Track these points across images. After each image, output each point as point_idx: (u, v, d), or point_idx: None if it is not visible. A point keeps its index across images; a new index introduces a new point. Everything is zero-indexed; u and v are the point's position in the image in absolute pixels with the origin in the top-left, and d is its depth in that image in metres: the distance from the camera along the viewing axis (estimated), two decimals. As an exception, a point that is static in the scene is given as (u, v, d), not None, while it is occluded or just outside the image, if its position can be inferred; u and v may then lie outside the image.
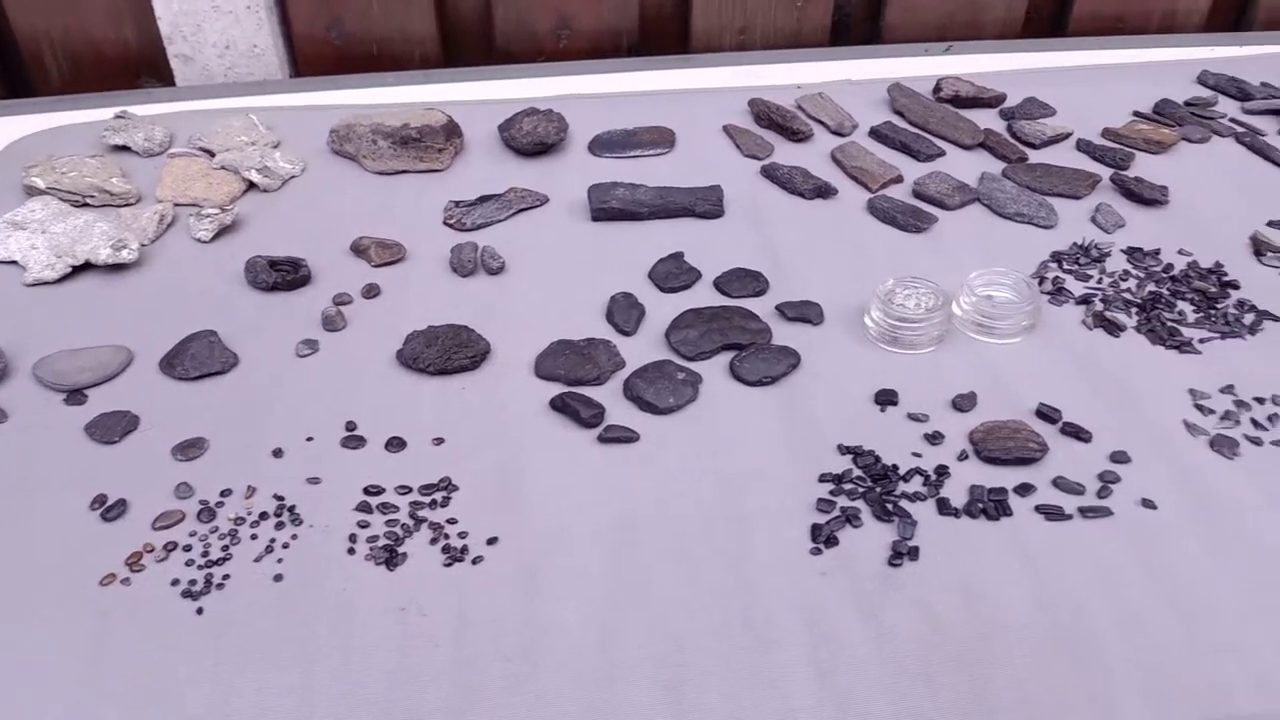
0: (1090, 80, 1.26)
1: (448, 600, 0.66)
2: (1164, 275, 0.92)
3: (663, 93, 1.26)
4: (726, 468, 0.75)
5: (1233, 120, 1.16)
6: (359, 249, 0.98)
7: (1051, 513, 0.71)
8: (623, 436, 0.78)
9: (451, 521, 0.71)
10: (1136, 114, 1.18)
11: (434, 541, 0.70)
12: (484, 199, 1.05)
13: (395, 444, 0.77)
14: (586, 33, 1.50)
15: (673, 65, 1.44)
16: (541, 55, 1.52)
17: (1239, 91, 1.20)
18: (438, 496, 0.73)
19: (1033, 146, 1.12)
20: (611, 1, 1.47)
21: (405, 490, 0.74)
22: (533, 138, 1.12)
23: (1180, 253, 0.96)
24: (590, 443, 0.78)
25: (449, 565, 0.68)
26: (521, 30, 1.48)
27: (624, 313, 0.90)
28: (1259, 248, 0.95)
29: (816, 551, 0.69)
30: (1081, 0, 1.54)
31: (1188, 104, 1.18)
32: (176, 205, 1.06)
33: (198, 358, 0.85)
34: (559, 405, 0.81)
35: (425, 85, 1.35)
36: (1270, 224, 0.99)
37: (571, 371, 0.84)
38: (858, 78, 1.32)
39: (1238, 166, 1.09)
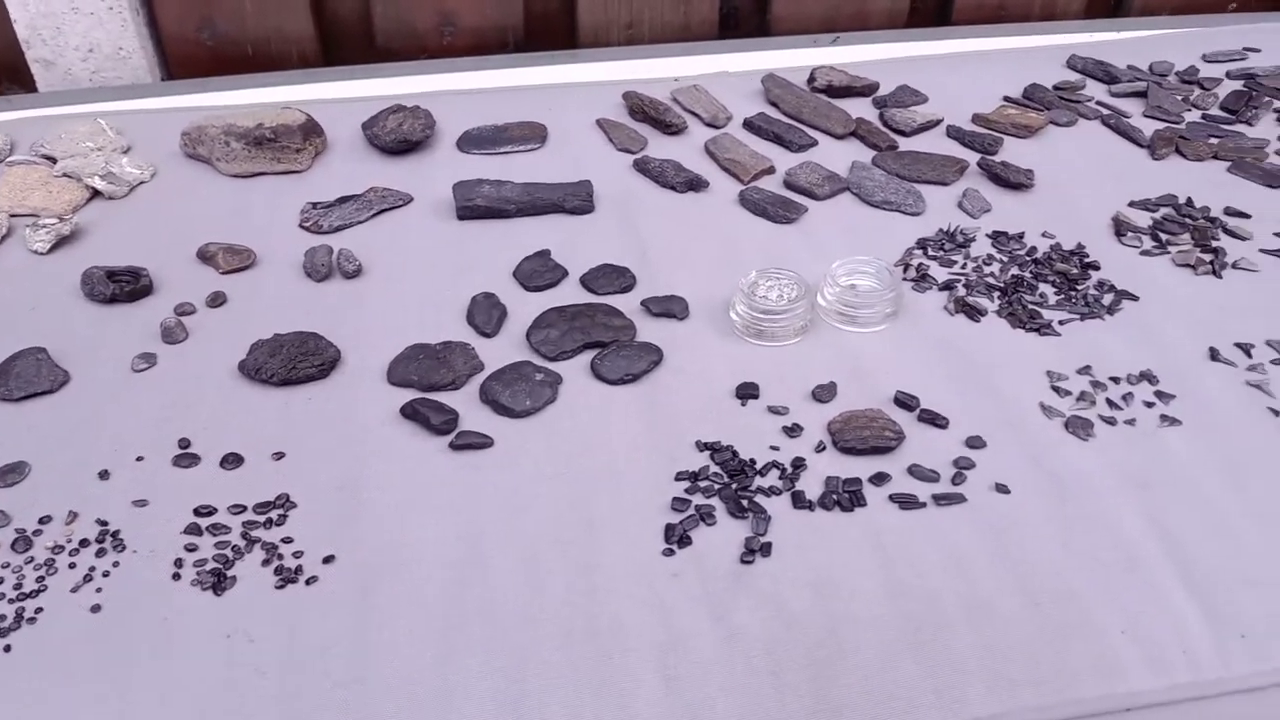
0: (963, 67, 1.26)
1: (278, 625, 0.63)
2: (1027, 258, 0.93)
3: (536, 87, 1.23)
4: (582, 471, 0.73)
5: (1099, 103, 1.17)
6: (206, 256, 0.93)
7: (905, 501, 0.70)
8: (475, 443, 0.75)
9: (287, 541, 0.68)
10: (1007, 99, 1.19)
11: (266, 563, 0.66)
12: (343, 200, 1.01)
13: (231, 460, 0.73)
14: (470, 30, 1.46)
15: (558, 61, 1.42)
16: (425, 53, 1.47)
17: (1106, 75, 1.22)
18: (273, 515, 0.69)
19: (903, 134, 1.12)
20: (494, -1, 1.44)
21: (239, 509, 0.70)
22: (397, 135, 1.08)
23: (1044, 235, 0.96)
24: (441, 451, 0.75)
25: (281, 587, 0.65)
26: (403, 28, 1.44)
27: (485, 313, 0.87)
28: (1120, 228, 0.96)
29: (669, 553, 0.67)
30: (967, -11, 1.57)
31: (1056, 88, 1.19)
32: (13, 216, 0.99)
33: (23, 377, 0.80)
34: (409, 413, 0.77)
35: (303, 85, 1.30)
36: (1131, 204, 1.00)
37: (425, 377, 0.80)
38: (745, 70, 1.31)
39: (1102, 148, 1.10)
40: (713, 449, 0.74)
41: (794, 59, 1.37)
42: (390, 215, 1.01)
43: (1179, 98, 1.17)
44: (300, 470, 0.73)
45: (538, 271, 0.92)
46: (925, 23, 1.62)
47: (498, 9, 1.45)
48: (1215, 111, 1.16)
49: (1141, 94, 1.18)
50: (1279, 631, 0.62)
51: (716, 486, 0.71)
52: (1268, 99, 1.17)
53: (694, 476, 0.72)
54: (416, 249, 0.97)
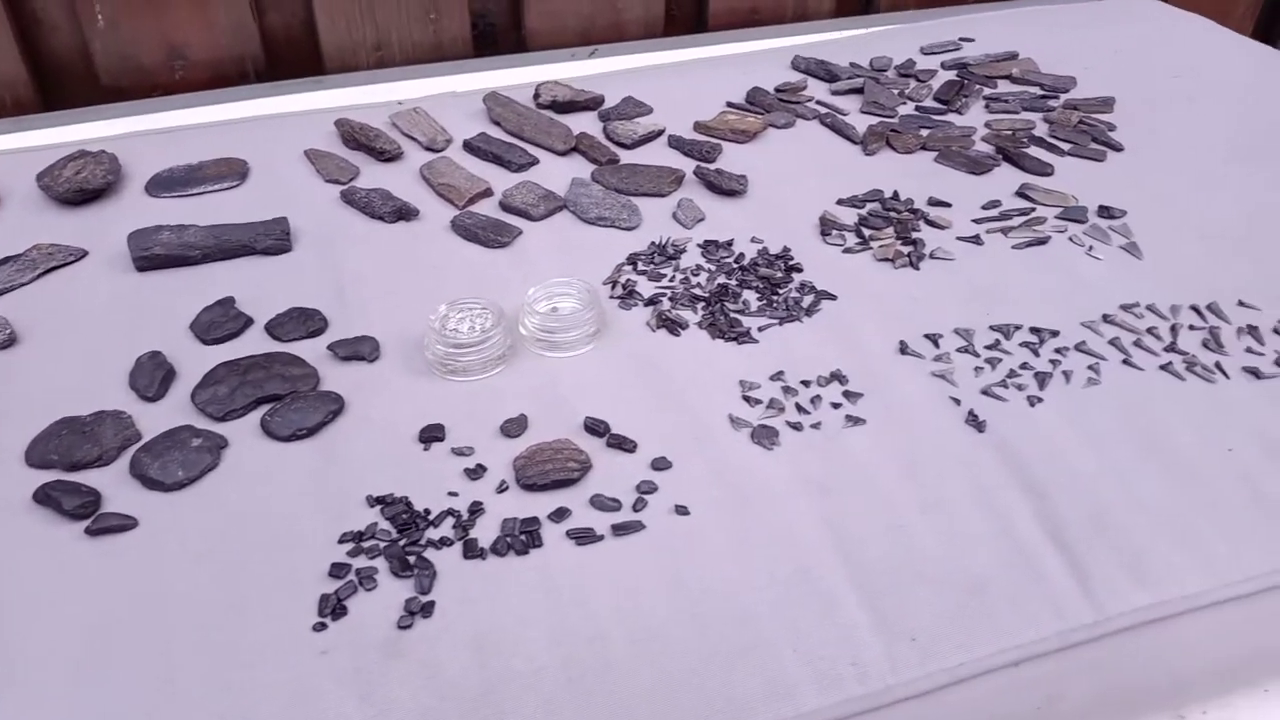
0: (692, 75, 1.26)
1: None
2: (734, 266, 0.92)
3: (239, 121, 1.15)
4: (236, 545, 0.66)
5: (819, 102, 1.19)
6: None
7: (582, 537, 0.66)
8: (116, 526, 0.67)
9: None
10: (729, 105, 1.19)
11: None
12: (1, 262, 0.91)
13: None
14: (204, 62, 1.36)
15: (303, 89, 1.34)
16: (157, 89, 1.37)
17: (827, 74, 1.24)
18: None
19: (625, 147, 1.10)
20: (225, 26, 1.34)
21: None
22: (72, 185, 0.98)
23: (753, 241, 0.96)
24: (77, 539, 0.67)
25: None
26: (127, 64, 1.33)
27: (148, 376, 0.79)
28: (825, 227, 0.97)
29: (320, 627, 0.61)
30: (716, -5, 1.58)
31: (777, 90, 1.20)
32: None
33: None
34: (41, 498, 0.69)
35: (15, 134, 1.18)
36: (840, 202, 1.01)
37: (67, 455, 0.72)
38: (511, 85, 1.26)
39: (818, 148, 1.11)
40: (384, 503, 0.69)
41: (550, 74, 1.34)
42: (60, 273, 0.92)
43: (895, 91, 1.20)
44: (-99, 581, 0.63)
45: (217, 323, 0.85)
46: (683, 30, 1.63)
47: (232, 38, 1.36)
48: (929, 103, 1.19)
49: (859, 90, 1.20)
50: (947, 630, 0.62)
51: (382, 545, 0.66)
52: (979, 87, 1.22)
53: (359, 537, 0.67)
54: (85, 309, 0.87)
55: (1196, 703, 0.61)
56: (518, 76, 1.32)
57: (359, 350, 0.82)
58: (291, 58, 1.45)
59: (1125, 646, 0.63)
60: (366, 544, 0.66)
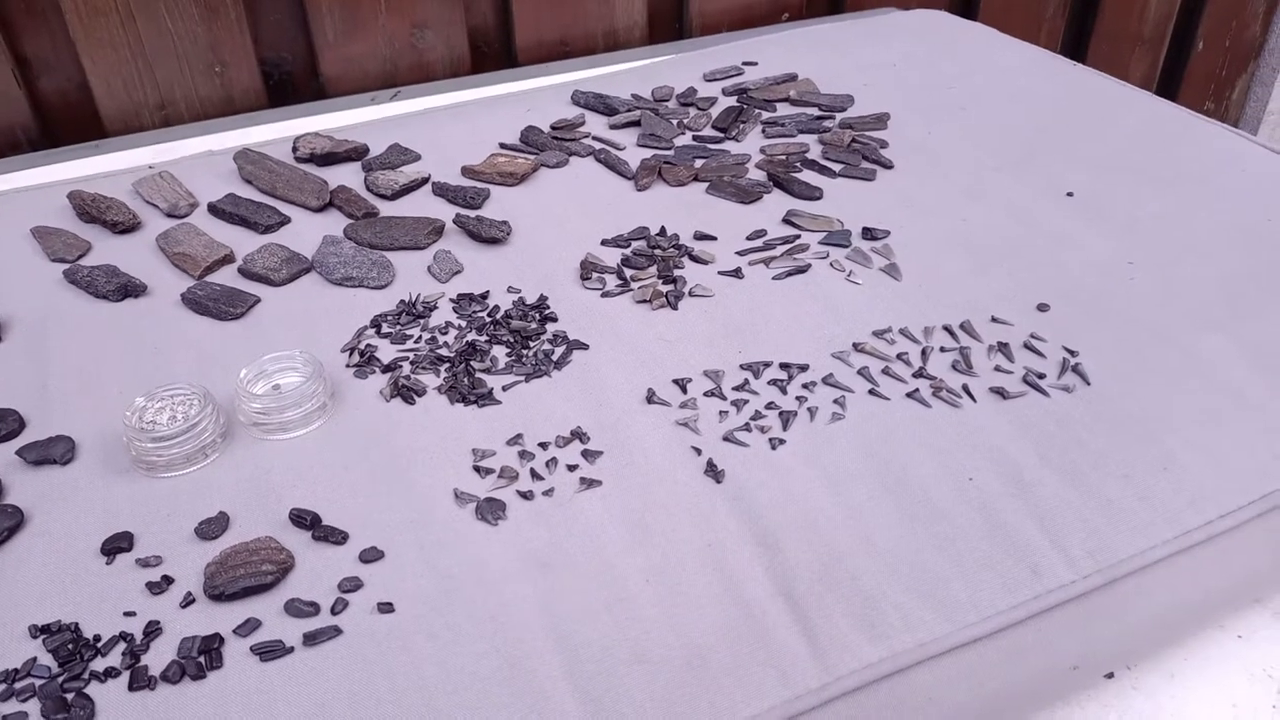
0: (468, 117, 1.21)
1: None
2: (486, 320, 0.87)
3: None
4: None
5: (595, 138, 1.16)
6: None
7: (268, 651, 0.60)
8: None
9: None
10: (502, 145, 1.14)
11: None
12: None
13: None
14: (-30, 133, 1.26)
15: (78, 155, 1.25)
16: (-73, 165, 1.26)
17: (605, 107, 1.20)
18: None
19: (385, 198, 1.04)
20: (-12, 96, 1.25)
21: None
22: None
23: (509, 290, 0.91)
24: None
25: None
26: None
27: None
28: (585, 270, 0.93)
29: (-50, 792, 0.54)
30: (522, 30, 1.54)
31: (553, 128, 1.16)
32: None
33: None
34: None
35: None
36: (604, 242, 0.97)
37: None
38: (282, 139, 1.19)
39: (590, 186, 1.07)
40: (47, 632, 0.61)
41: (351, 119, 1.28)
42: None
43: (674, 122, 1.18)
44: None
45: (-108, 434, 0.76)
46: (491, 66, 1.59)
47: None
48: (707, 131, 1.17)
49: (636, 123, 1.17)
50: (663, 710, 0.57)
51: (39, 683, 0.58)
52: (758, 111, 1.20)
53: (13, 676, 0.59)
54: None
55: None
56: (313, 125, 1.26)
57: (50, 453, 0.74)
58: (70, 123, 1.36)
59: (856, 707, 0.60)
60: (20, 684, 0.58)
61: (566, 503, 0.70)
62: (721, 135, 1.15)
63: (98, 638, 0.61)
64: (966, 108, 1.20)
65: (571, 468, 0.72)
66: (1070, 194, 1.02)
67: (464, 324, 0.87)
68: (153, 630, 0.61)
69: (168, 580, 0.64)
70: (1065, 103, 1.21)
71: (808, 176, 1.06)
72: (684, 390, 0.79)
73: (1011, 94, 1.24)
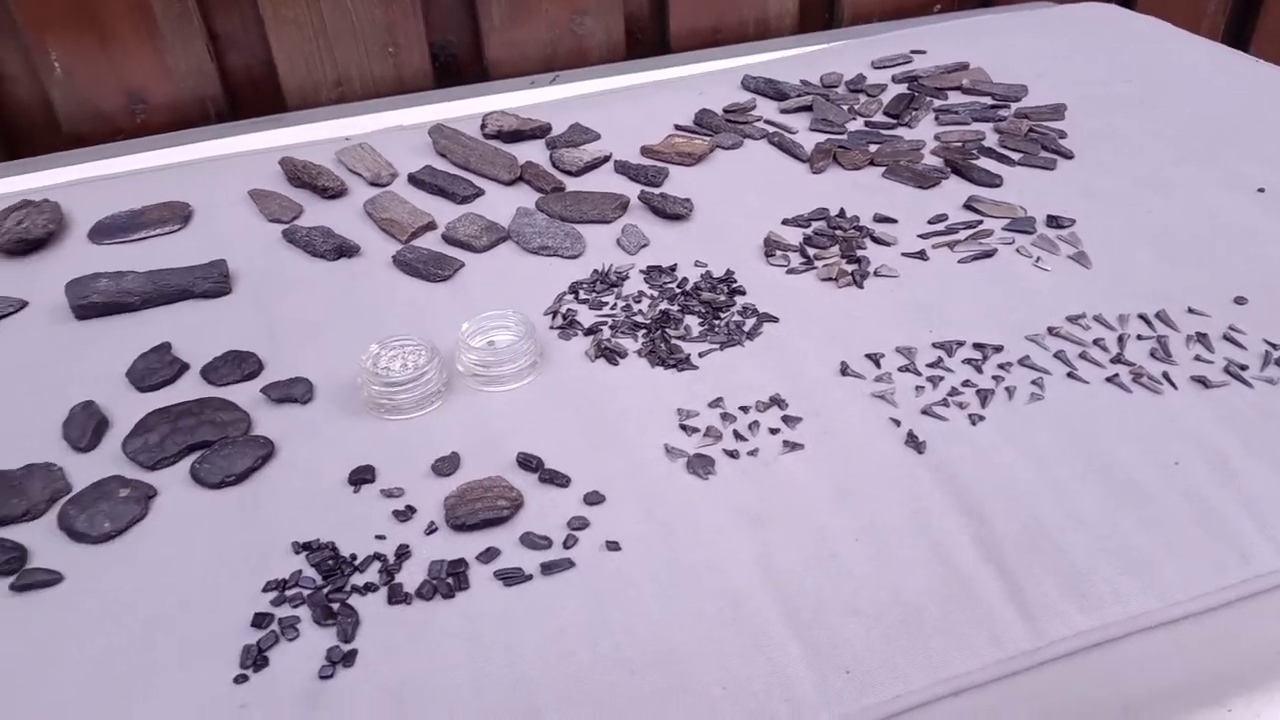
0: (641, 99, 1.25)
1: None
2: (677, 291, 0.91)
3: (184, 164, 1.14)
4: (160, 597, 0.65)
5: (767, 122, 1.18)
6: None
7: (510, 577, 0.65)
8: (41, 581, 0.66)
9: None
10: (677, 127, 1.18)
11: None
12: (-63, 316, 0.90)
13: None
14: (165, 105, 1.37)
15: (263, 127, 1.34)
16: (120, 134, 1.37)
17: (775, 92, 1.23)
18: None
19: (571, 174, 1.09)
20: (184, 70, 1.35)
21: None
22: (13, 236, 0.98)
23: (696, 264, 0.95)
24: (1, 595, 0.66)
25: None
26: (87, 111, 1.33)
27: (80, 426, 0.78)
28: (769, 248, 0.96)
29: (241, 679, 0.60)
30: (677, 17, 1.57)
31: (726, 111, 1.20)
32: None
33: None
34: (-38, 557, 0.68)
35: None
36: (785, 222, 1.00)
37: (-9, 512, 0.71)
38: (456, 117, 1.25)
39: (765, 168, 1.10)
40: (309, 549, 0.68)
41: (513, 102, 1.34)
42: (-2, 325, 0.92)
43: (845, 108, 1.20)
44: None
45: (153, 369, 0.84)
46: (645, 53, 1.63)
47: (192, 80, 1.36)
48: (879, 117, 1.18)
49: (808, 108, 1.20)
50: (881, 661, 0.60)
51: (306, 593, 0.65)
52: (929, 99, 1.21)
53: (283, 585, 0.65)
54: (22, 360, 0.86)
55: (1152, 726, 0.60)
56: (478, 106, 1.32)
57: (292, 392, 0.81)
58: (254, 98, 1.45)
59: (1068, 672, 0.61)
60: (290, 592, 0.65)
61: (772, 462, 0.73)
62: (894, 121, 1.17)
63: (354, 556, 0.67)
64: (1145, 101, 1.18)
65: (773, 431, 0.76)
66: (1261, 189, 1.01)
67: (656, 294, 0.91)
68: (403, 552, 0.67)
69: (411, 510, 0.70)
70: (1249, 99, 1.19)
71: (985, 164, 1.07)
72: (878, 365, 0.81)
73: (1192, 88, 1.22)
